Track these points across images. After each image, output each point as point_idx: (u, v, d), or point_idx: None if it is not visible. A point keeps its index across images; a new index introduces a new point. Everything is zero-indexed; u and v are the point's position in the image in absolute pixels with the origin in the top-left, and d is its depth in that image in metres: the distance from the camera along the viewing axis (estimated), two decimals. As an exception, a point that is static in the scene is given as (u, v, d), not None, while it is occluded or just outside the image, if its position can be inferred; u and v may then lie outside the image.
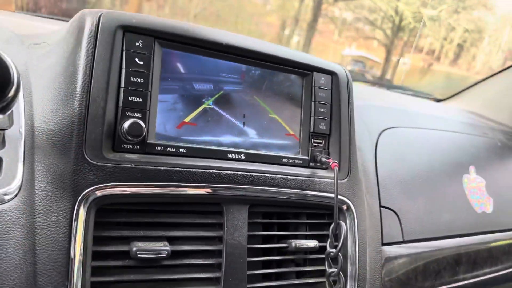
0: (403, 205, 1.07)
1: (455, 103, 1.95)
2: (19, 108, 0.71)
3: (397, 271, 1.01)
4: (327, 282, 0.84)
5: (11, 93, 0.56)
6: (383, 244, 1.00)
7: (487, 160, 1.39)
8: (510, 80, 1.79)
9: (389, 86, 2.05)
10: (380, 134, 1.16)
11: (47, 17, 1.30)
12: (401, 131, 1.23)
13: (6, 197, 0.63)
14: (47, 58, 0.77)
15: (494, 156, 1.43)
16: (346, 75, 0.93)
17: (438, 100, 2.01)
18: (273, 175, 0.82)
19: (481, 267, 1.20)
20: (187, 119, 0.77)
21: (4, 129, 0.70)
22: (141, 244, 0.69)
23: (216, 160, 0.78)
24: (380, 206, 1.03)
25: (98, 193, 0.66)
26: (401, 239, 1.04)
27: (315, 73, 0.89)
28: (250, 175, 0.80)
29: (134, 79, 0.71)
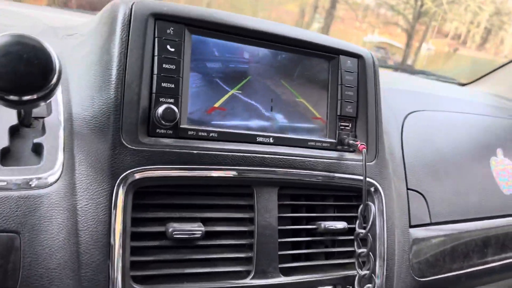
0: (430, 188, 1.07)
1: (479, 87, 1.92)
2: (57, 96, 0.74)
3: (425, 253, 1.02)
4: (356, 263, 0.86)
5: (53, 81, 0.59)
6: (411, 226, 1.01)
7: None
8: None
9: (412, 71, 2.03)
10: (405, 117, 1.17)
11: (75, 11, 1.34)
12: (426, 114, 1.23)
13: (48, 181, 0.66)
14: (81, 48, 0.80)
15: None
16: (372, 58, 0.93)
17: (462, 85, 1.99)
18: (301, 158, 0.84)
19: (510, 250, 1.20)
20: (216, 104, 0.79)
21: (43, 117, 0.74)
22: (176, 225, 0.72)
23: (246, 144, 0.80)
24: (407, 189, 1.03)
25: (137, 176, 0.69)
26: (428, 221, 1.04)
27: (341, 56, 0.89)
28: (279, 158, 0.81)
29: (166, 66, 0.73)
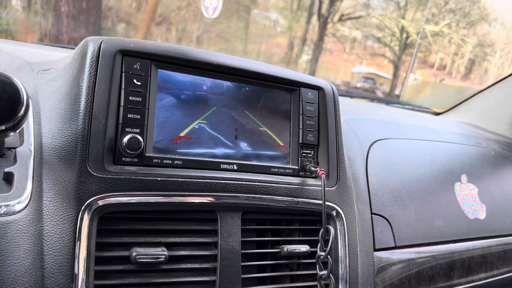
0: (394, 212, 1.11)
1: (453, 116, 1.99)
2: (29, 127, 0.79)
3: (391, 276, 1.05)
4: (318, 285, 0.89)
5: (21, 113, 0.64)
6: (376, 250, 1.04)
7: (480, 168, 1.43)
8: (504, 92, 1.84)
9: (388, 101, 2.11)
10: (371, 145, 1.22)
11: (56, 46, 1.40)
12: (392, 142, 1.28)
13: (17, 208, 0.70)
14: (54, 82, 0.85)
15: (486, 165, 1.47)
16: (332, 89, 0.99)
17: (437, 114, 2.06)
18: (264, 184, 0.88)
19: (476, 272, 1.23)
20: (182, 134, 0.83)
21: (15, 148, 0.78)
22: (140, 250, 0.75)
23: (210, 171, 0.84)
24: (372, 213, 1.07)
25: (100, 202, 0.73)
26: (393, 245, 1.08)
27: (302, 88, 0.95)
28: (242, 184, 0.85)
29: (133, 98, 0.78)
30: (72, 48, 1.27)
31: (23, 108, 0.64)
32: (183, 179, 0.80)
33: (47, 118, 0.79)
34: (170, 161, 0.81)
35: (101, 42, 0.78)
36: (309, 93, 0.96)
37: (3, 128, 0.64)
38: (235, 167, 0.87)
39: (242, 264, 0.84)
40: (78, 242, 0.71)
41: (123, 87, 0.78)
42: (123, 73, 0.78)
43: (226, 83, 0.89)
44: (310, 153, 0.95)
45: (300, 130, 0.94)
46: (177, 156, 0.82)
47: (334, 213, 0.95)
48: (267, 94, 0.93)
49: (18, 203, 0.70)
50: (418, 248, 1.12)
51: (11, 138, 0.78)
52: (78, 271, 0.70)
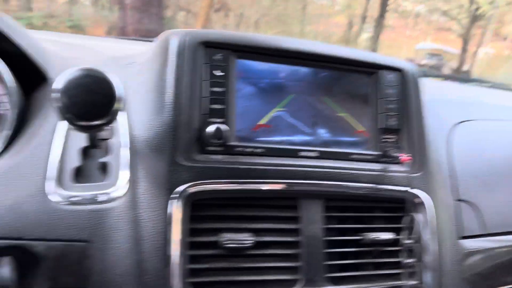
0: (481, 198, 1.06)
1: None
2: (119, 120, 0.83)
3: (478, 265, 1.00)
4: (404, 273, 0.87)
5: (116, 107, 0.67)
6: (463, 237, 1.00)
7: None
8: None
9: (465, 79, 1.98)
10: (454, 127, 1.16)
11: (132, 39, 1.45)
12: (476, 124, 1.21)
13: (116, 196, 0.74)
14: (139, 75, 0.89)
15: None
16: (413, 71, 0.95)
17: (521, 91, 1.91)
18: (346, 171, 0.86)
19: None
20: (262, 122, 0.84)
21: (107, 139, 0.83)
22: (228, 235, 0.78)
23: (290, 158, 0.84)
24: (458, 200, 1.02)
25: (190, 190, 0.76)
26: (481, 232, 1.03)
27: (381, 70, 0.92)
28: (323, 171, 0.85)
29: (215, 89, 0.80)
30: (147, 41, 1.31)
31: (118, 103, 0.67)
32: (264, 167, 0.81)
33: (135, 111, 0.83)
34: (251, 149, 0.82)
35: (183, 35, 0.80)
36: (389, 76, 0.93)
37: (101, 122, 0.67)
38: (315, 155, 0.86)
39: (325, 251, 0.84)
40: (171, 227, 0.74)
41: (206, 78, 0.80)
42: (206, 65, 0.80)
43: (303, 69, 0.88)
44: (391, 138, 0.92)
45: (380, 115, 0.91)
46: (257, 144, 0.83)
47: (418, 200, 0.92)
48: (344, 78, 0.91)
49: (116, 190, 0.75)
50: (509, 236, 1.06)
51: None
52: (173, 256, 0.73)
